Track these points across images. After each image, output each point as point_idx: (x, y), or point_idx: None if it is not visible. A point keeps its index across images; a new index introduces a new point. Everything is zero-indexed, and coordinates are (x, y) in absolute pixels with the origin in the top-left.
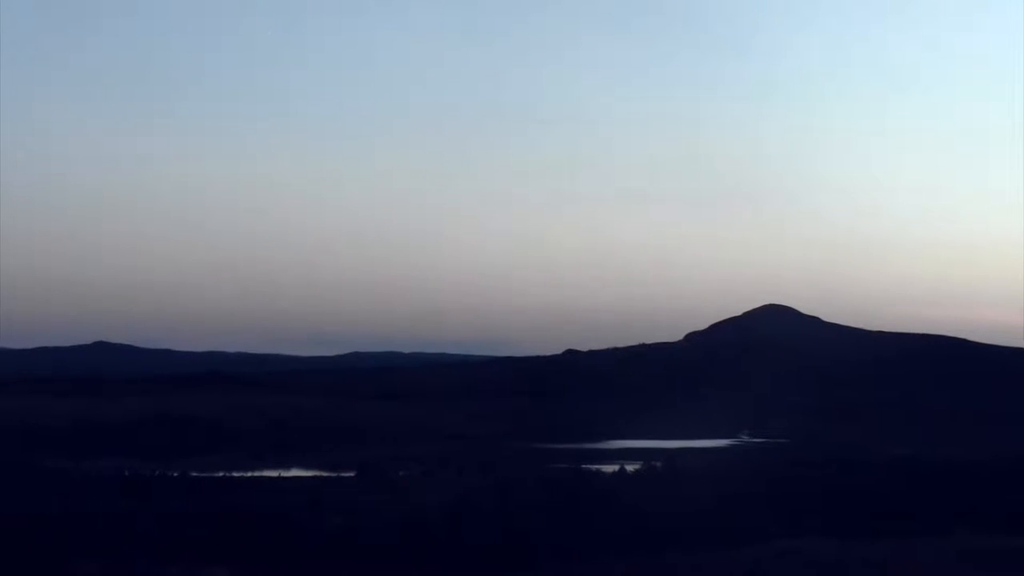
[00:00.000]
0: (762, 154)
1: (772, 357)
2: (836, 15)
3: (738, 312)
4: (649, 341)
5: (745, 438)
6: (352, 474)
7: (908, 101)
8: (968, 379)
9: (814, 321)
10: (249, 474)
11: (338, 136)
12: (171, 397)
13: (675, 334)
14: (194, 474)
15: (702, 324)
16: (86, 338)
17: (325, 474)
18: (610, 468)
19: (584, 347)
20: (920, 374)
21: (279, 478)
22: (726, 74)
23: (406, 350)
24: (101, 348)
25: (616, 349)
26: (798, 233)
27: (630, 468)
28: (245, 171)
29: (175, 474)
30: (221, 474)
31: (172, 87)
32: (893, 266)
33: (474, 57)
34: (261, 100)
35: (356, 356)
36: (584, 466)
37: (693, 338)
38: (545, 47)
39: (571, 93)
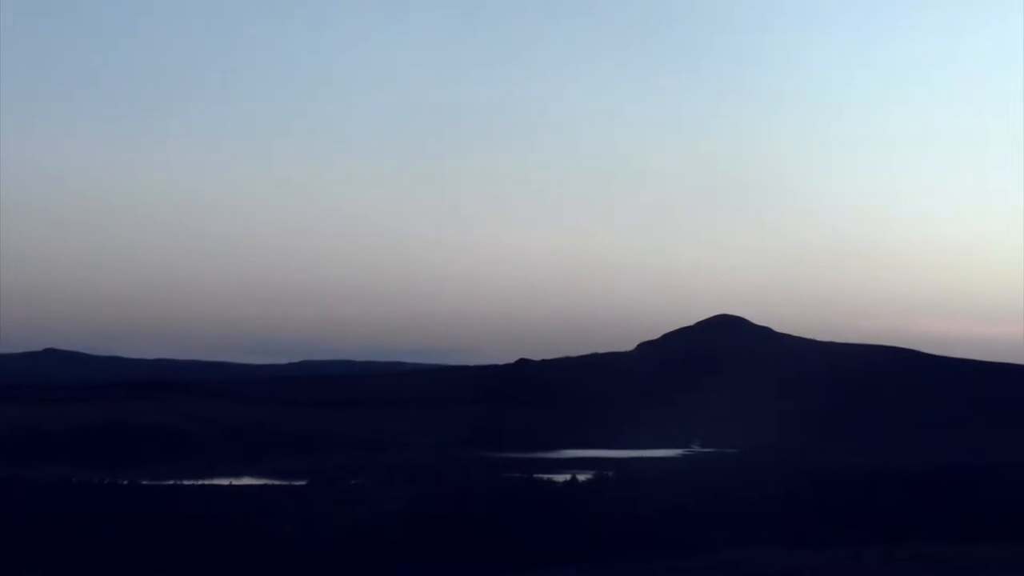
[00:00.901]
0: (713, 165)
1: (724, 367)
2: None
3: (691, 322)
4: (602, 351)
5: (697, 448)
6: (303, 482)
7: (867, 107)
8: (917, 389)
9: (766, 331)
10: (199, 482)
11: (286, 142)
12: (121, 405)
13: (627, 344)
14: (144, 482)
15: (654, 334)
16: (36, 345)
17: (276, 482)
18: (562, 477)
19: (537, 356)
20: (870, 384)
21: (229, 486)
22: (687, 80)
23: (358, 358)
24: (51, 355)
25: (568, 358)
26: (751, 243)
27: (581, 477)
28: (193, 178)
29: (124, 482)
30: (171, 482)
31: (111, 89)
32: (844, 276)
33: (436, 63)
34: (209, 104)
35: (307, 364)
36: (536, 475)
37: (645, 348)
38: (517, 51)
39: (526, 100)
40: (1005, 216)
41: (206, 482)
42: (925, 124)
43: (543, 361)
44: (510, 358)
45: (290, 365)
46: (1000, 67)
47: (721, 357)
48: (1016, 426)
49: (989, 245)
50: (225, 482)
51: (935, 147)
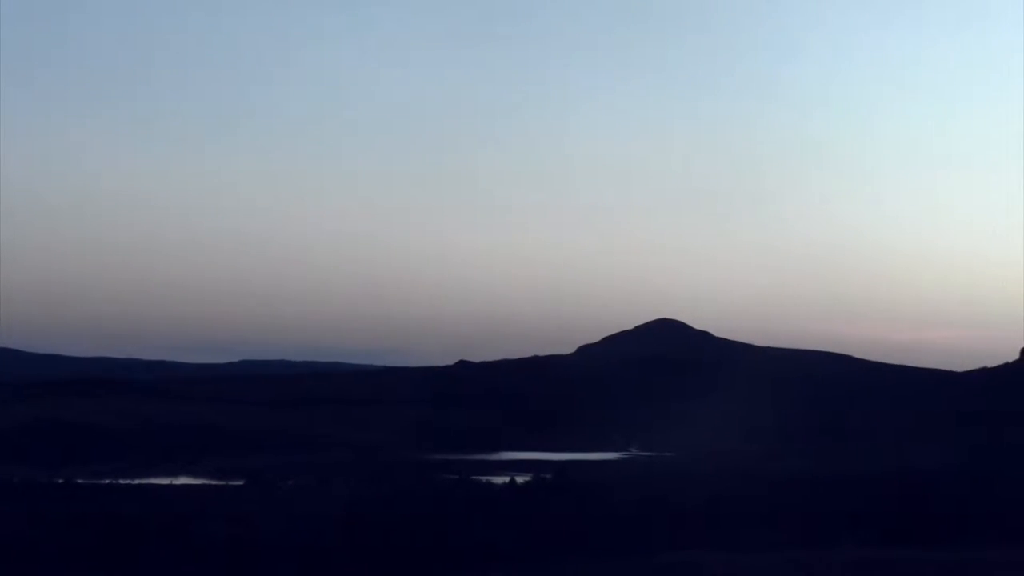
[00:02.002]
0: (654, 169)
1: (663, 371)
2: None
3: (630, 326)
4: (542, 353)
5: (635, 451)
6: (241, 483)
7: (809, 113)
8: (853, 394)
9: (705, 336)
10: (137, 482)
11: (229, 143)
12: (59, 403)
13: (567, 347)
14: (80, 481)
15: (594, 337)
16: None
17: (214, 482)
18: (500, 479)
19: (476, 358)
20: (808, 388)
21: (167, 486)
22: (632, 85)
23: (297, 358)
24: None
25: (508, 360)
26: (690, 247)
27: (520, 480)
28: (136, 175)
29: (61, 481)
30: (108, 481)
31: (66, 87)
32: (783, 282)
33: (384, 65)
34: (152, 105)
35: (246, 364)
36: (474, 477)
37: (585, 351)
38: (463, 55)
39: (470, 104)
40: (944, 224)
41: (144, 481)
42: (862, 129)
43: (483, 363)
44: (450, 360)
45: (230, 365)
46: (913, 69)
47: (660, 361)
48: (948, 430)
49: (926, 253)
50: (163, 481)
51: (873, 154)
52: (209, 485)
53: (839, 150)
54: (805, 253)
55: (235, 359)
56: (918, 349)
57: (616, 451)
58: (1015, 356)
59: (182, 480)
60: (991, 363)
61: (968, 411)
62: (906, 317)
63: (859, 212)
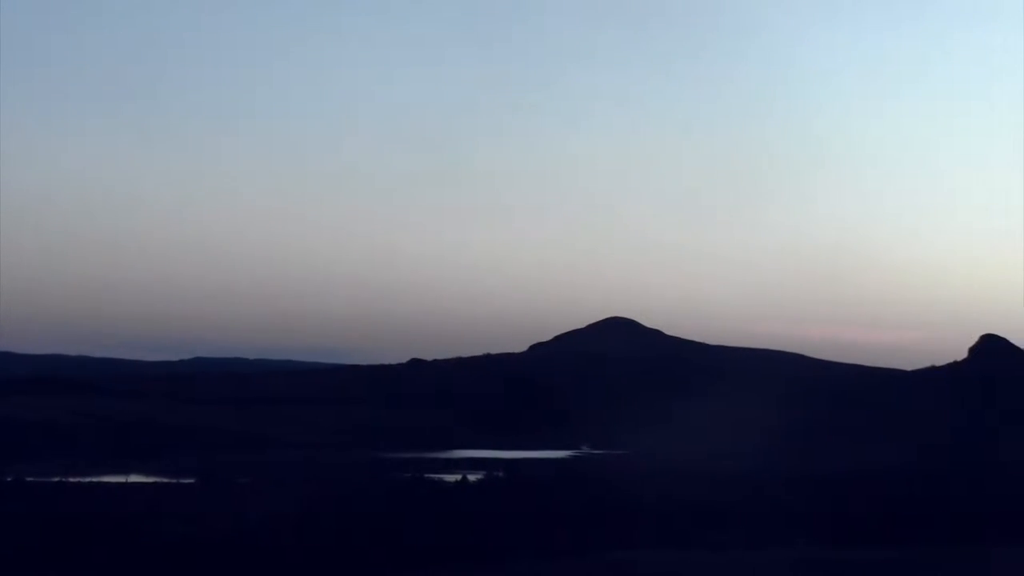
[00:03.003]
0: (603, 169)
1: (614, 369)
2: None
3: (582, 324)
4: (493, 352)
5: (587, 449)
6: (193, 481)
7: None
8: (805, 393)
9: (656, 334)
10: (87, 480)
11: (180, 142)
12: (9, 400)
13: (519, 345)
14: (29, 479)
15: (546, 335)
16: None
17: (165, 480)
18: (452, 477)
19: (429, 356)
20: (758, 388)
21: (118, 484)
22: (574, 84)
23: (250, 356)
24: None
25: (461, 359)
26: (641, 245)
27: (472, 478)
28: (83, 173)
29: (9, 479)
30: (58, 479)
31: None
32: (734, 281)
33: (322, 66)
34: (105, 104)
35: (200, 361)
36: (426, 475)
37: (537, 349)
38: (405, 56)
39: (413, 103)
40: (895, 228)
41: (94, 479)
42: (819, 131)
43: (435, 361)
44: (402, 358)
45: (182, 362)
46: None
47: (612, 359)
48: (899, 429)
49: (878, 255)
50: (114, 480)
51: (823, 158)
52: (161, 484)
53: (787, 153)
54: (758, 254)
55: (188, 357)
56: (870, 349)
57: (568, 449)
58: (963, 355)
59: (134, 479)
60: (940, 362)
61: (917, 410)
62: (858, 318)
63: (812, 215)
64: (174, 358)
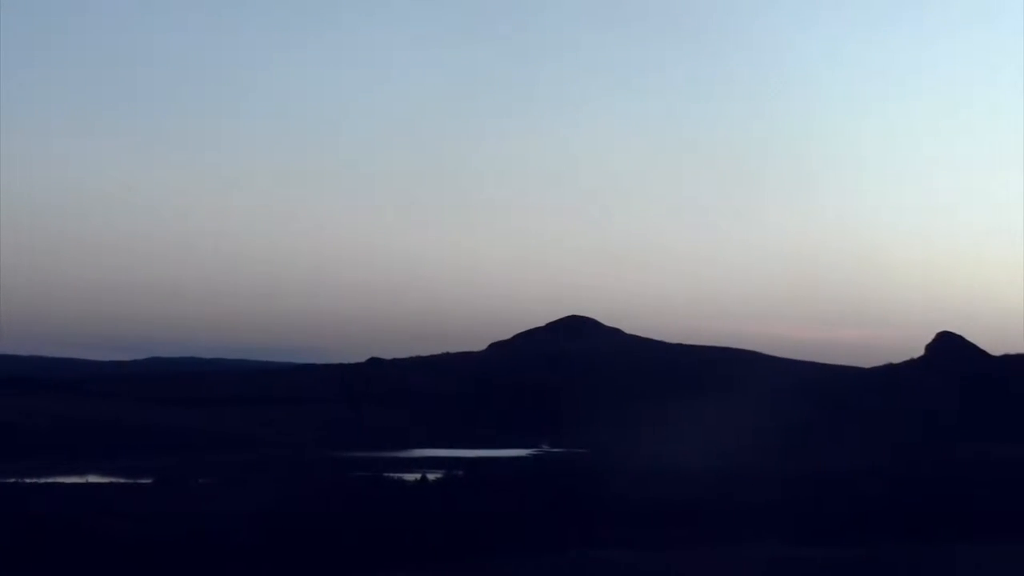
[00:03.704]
0: (560, 168)
1: (574, 368)
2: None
3: (541, 323)
4: (453, 350)
5: (546, 448)
6: (149, 481)
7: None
8: (763, 392)
9: (616, 332)
10: (42, 480)
11: (145, 139)
12: None
13: (479, 343)
14: None
15: (506, 334)
16: None
17: (121, 481)
18: (412, 476)
19: (388, 355)
20: (718, 386)
21: (73, 485)
22: (537, 85)
23: (207, 355)
24: None
25: (420, 357)
26: (602, 244)
27: (432, 476)
28: (36, 171)
29: None
30: (13, 480)
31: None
32: (694, 279)
33: (273, 64)
34: (70, 103)
35: (157, 361)
36: (386, 474)
37: (497, 348)
38: (358, 52)
39: (374, 100)
40: (853, 226)
41: (48, 480)
42: (773, 131)
43: (395, 360)
44: (361, 357)
45: (138, 362)
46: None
47: (572, 357)
48: (857, 427)
49: (836, 253)
50: (70, 480)
51: (776, 157)
52: (117, 484)
53: (747, 153)
54: (718, 253)
55: (143, 356)
56: (827, 347)
57: (527, 448)
58: (920, 353)
59: (88, 479)
60: (897, 360)
61: (875, 408)
62: (815, 316)
63: (769, 214)
64: (129, 358)
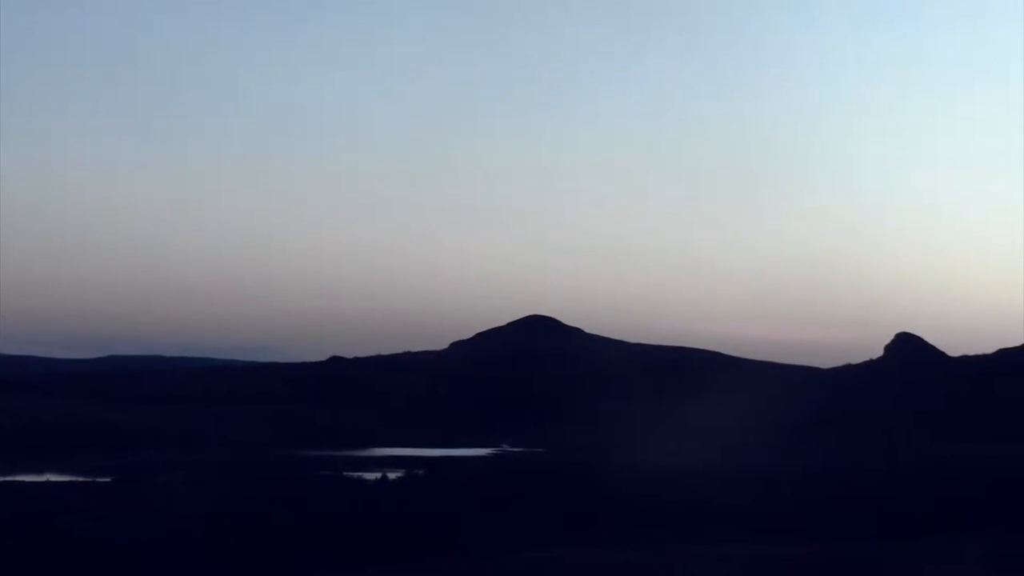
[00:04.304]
0: (523, 168)
1: (535, 367)
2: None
3: (503, 322)
4: (414, 349)
5: (506, 447)
6: (109, 480)
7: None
8: (723, 390)
9: (576, 332)
10: (2, 479)
11: (101, 138)
12: None
13: (440, 343)
14: None
15: (467, 333)
16: None
17: (81, 479)
18: (372, 476)
19: (349, 354)
20: (677, 384)
21: (33, 483)
22: (499, 86)
23: (168, 354)
24: None
25: (381, 356)
26: (562, 244)
27: (392, 476)
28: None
29: None
30: None
31: None
32: (654, 278)
33: (238, 63)
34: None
35: (116, 359)
36: (346, 473)
37: (458, 347)
38: (323, 51)
39: (337, 99)
40: (812, 227)
41: (7, 478)
42: (717, 131)
43: (355, 359)
44: (322, 356)
45: (98, 360)
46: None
47: (533, 357)
48: (814, 426)
49: (797, 254)
50: (29, 479)
51: (743, 158)
52: (76, 482)
53: (702, 154)
54: (678, 253)
55: (104, 354)
56: (787, 347)
57: (488, 447)
58: (879, 353)
59: (48, 477)
60: (856, 360)
61: (835, 407)
62: (775, 315)
63: (731, 216)
64: (89, 356)
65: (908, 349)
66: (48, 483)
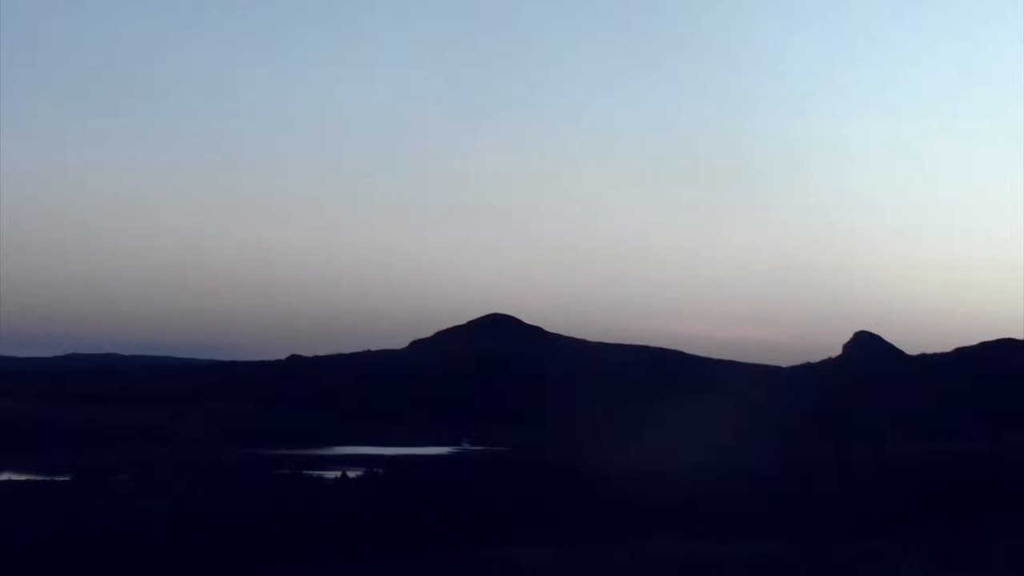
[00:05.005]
0: (482, 169)
1: (495, 366)
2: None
3: (463, 321)
4: (374, 348)
5: (467, 446)
6: (67, 478)
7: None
8: (683, 390)
9: (537, 331)
10: None
11: (45, 136)
12: None
13: (400, 342)
14: None
15: (427, 332)
16: None
17: (38, 478)
18: (332, 474)
19: (309, 353)
20: (637, 384)
21: None
22: (465, 83)
23: (126, 352)
24: None
25: (341, 355)
26: (523, 243)
27: (352, 474)
28: None
29: None
30: None
31: None
32: (615, 278)
33: (195, 62)
34: None
35: (75, 358)
36: (306, 472)
37: (418, 346)
38: (283, 50)
39: (295, 98)
40: (772, 227)
41: None
42: (671, 130)
43: (315, 358)
44: (281, 354)
45: (56, 358)
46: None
47: (493, 356)
48: (771, 425)
49: (756, 253)
50: None
51: (698, 157)
52: (35, 481)
53: (658, 152)
54: (641, 252)
55: (62, 352)
56: (747, 346)
57: (448, 446)
58: (838, 352)
59: (5, 476)
60: (815, 358)
61: (794, 407)
62: (736, 315)
63: (688, 216)
64: (47, 355)
65: (867, 347)
66: (6, 482)
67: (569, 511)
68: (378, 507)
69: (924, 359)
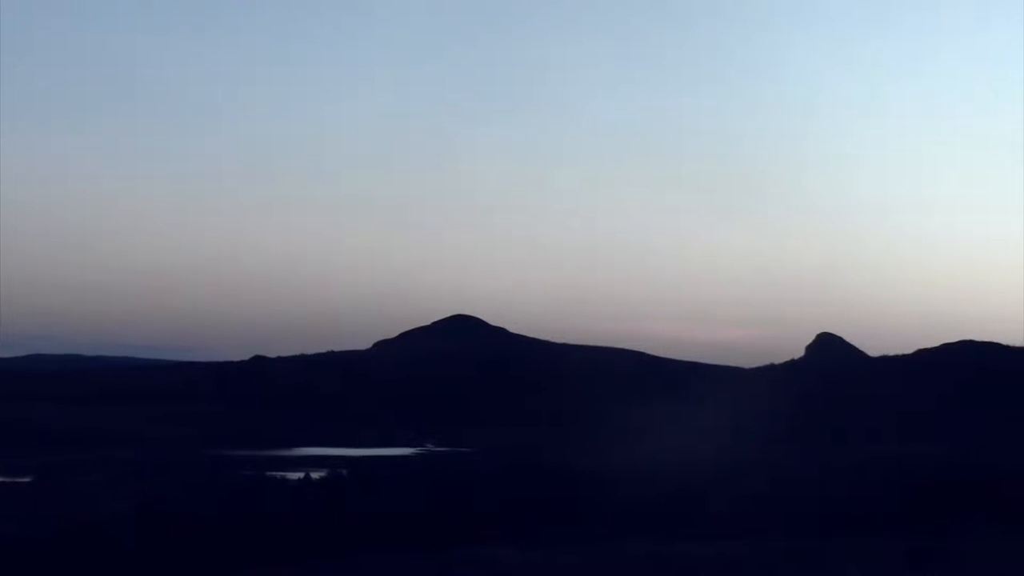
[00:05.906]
0: (442, 166)
1: (459, 367)
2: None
3: (427, 322)
4: (338, 348)
5: (431, 447)
6: (29, 479)
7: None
8: (648, 390)
9: (501, 332)
10: None
11: (28, 130)
12: None
13: (364, 342)
14: None
15: (391, 333)
16: None
17: (1, 480)
18: (296, 475)
19: (272, 353)
20: (603, 385)
21: None
22: (424, 83)
23: (89, 352)
24: None
25: (305, 356)
26: (487, 245)
27: (316, 475)
28: None
29: None
30: None
31: None
32: (578, 279)
33: (162, 62)
34: None
35: (37, 358)
36: (270, 473)
37: (382, 346)
38: (244, 52)
39: (260, 98)
40: (738, 230)
41: None
42: (647, 129)
43: (279, 358)
44: (245, 355)
45: (18, 359)
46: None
47: (457, 357)
48: (736, 425)
49: (723, 256)
50: None
51: (663, 156)
52: None
53: (620, 152)
54: (604, 254)
55: (24, 353)
56: (711, 346)
57: (413, 447)
58: (801, 353)
59: None
60: (778, 360)
61: (756, 408)
62: (699, 316)
63: (652, 216)
64: (9, 355)
65: (829, 349)
66: None
67: (537, 511)
68: (342, 508)
69: (886, 361)
